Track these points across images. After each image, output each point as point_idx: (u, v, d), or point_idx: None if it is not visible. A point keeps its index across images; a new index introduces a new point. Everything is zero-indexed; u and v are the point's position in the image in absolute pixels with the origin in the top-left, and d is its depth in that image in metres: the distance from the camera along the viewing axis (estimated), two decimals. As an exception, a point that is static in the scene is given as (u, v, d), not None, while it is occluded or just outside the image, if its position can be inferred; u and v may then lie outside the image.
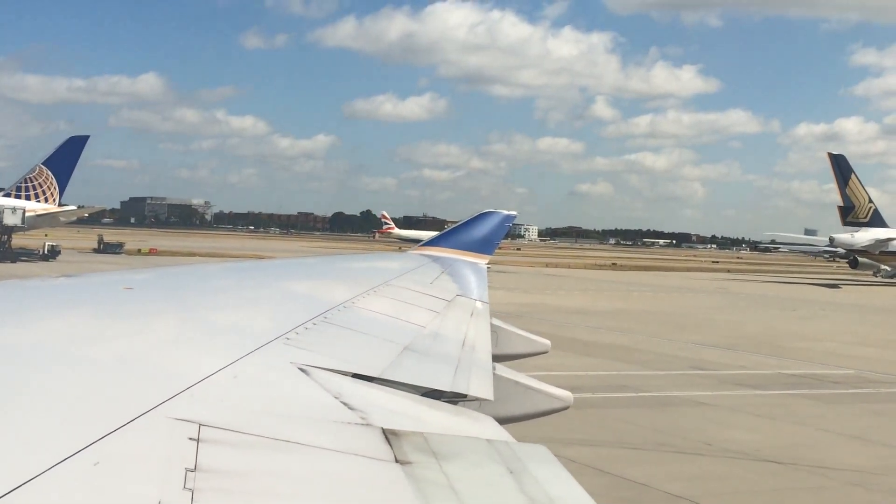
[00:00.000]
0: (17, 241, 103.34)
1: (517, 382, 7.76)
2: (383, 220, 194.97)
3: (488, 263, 18.35)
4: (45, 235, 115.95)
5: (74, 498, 2.29)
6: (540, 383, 8.18)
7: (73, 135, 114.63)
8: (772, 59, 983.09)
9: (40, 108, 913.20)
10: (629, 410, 28.37)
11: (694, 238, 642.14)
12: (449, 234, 20.27)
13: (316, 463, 3.18)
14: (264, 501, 2.69)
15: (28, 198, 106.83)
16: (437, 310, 9.37)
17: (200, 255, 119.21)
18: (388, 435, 3.67)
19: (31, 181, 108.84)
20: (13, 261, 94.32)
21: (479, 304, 11.39)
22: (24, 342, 4.53)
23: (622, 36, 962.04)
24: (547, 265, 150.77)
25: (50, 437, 2.75)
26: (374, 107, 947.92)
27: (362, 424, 3.80)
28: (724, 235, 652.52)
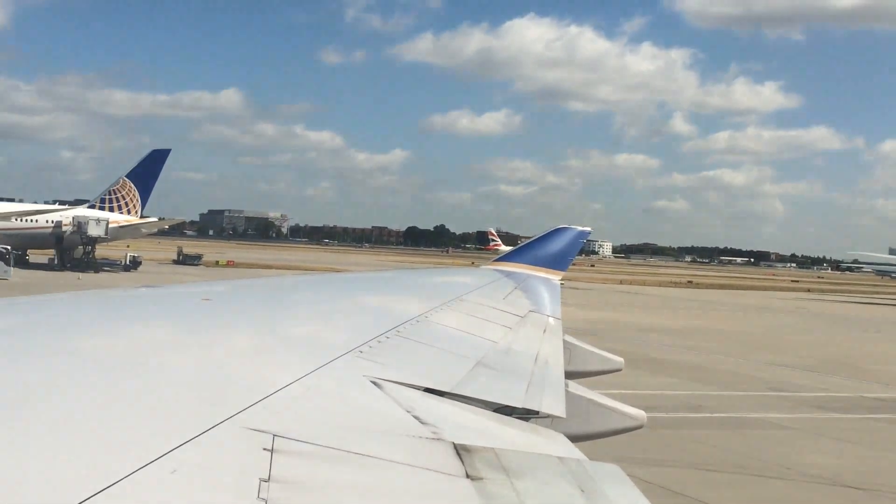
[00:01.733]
0: (101, 251, 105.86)
1: (590, 400, 7.70)
2: (490, 236, 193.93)
3: (562, 279, 18.25)
4: (128, 246, 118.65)
5: (154, 502, 2.33)
6: (613, 401, 8.11)
7: (155, 148, 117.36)
8: (856, 74, 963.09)
9: (125, 122, 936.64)
10: (704, 431, 27.90)
11: (773, 256, 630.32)
12: (522, 249, 20.22)
13: (387, 476, 3.20)
14: None
15: (111, 209, 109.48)
16: (510, 325, 9.35)
17: (276, 267, 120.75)
18: (460, 450, 3.67)
19: (115, 193, 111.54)
20: (96, 271, 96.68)
21: (551, 320, 11.33)
22: (107, 351, 4.64)
23: (702, 52, 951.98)
24: (621, 282, 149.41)
25: (130, 443, 2.81)
26: (449, 122, 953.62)
27: (434, 439, 3.80)
28: (805, 254, 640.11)
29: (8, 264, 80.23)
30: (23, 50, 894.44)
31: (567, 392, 6.65)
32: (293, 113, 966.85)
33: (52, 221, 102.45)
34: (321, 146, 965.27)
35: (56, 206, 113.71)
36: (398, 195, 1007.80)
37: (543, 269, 18.37)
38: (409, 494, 3.10)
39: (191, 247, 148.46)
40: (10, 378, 3.58)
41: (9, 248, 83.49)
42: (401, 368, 5.32)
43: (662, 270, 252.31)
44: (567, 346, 9.86)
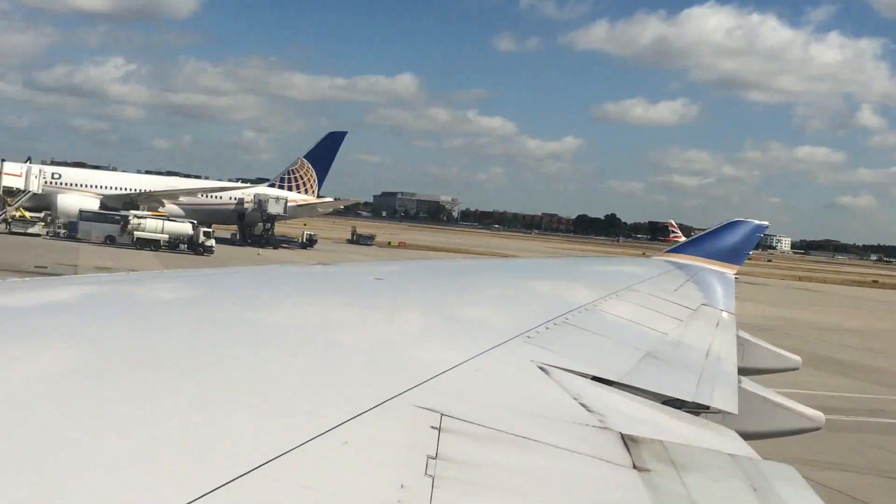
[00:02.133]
0: (279, 229, 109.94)
1: (764, 398, 7.43)
2: (671, 228, 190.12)
3: (736, 274, 17.71)
4: (304, 225, 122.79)
5: (325, 473, 2.40)
6: (788, 400, 7.80)
7: (332, 130, 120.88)
8: None
9: (304, 104, 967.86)
10: (887, 437, 26.54)
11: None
12: (696, 241, 19.73)
13: (552, 462, 3.18)
14: (500, 495, 2.72)
15: (290, 188, 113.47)
16: (681, 318, 9.15)
17: (446, 250, 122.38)
18: (627, 440, 3.61)
19: (294, 173, 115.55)
20: (275, 247, 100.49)
21: (724, 314, 11.02)
22: (285, 325, 4.81)
23: (894, 42, 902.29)
24: (800, 279, 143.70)
25: (305, 414, 2.90)
26: (623, 110, 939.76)
27: (600, 427, 3.76)
28: None
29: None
30: (211, 33, 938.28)
31: (740, 388, 6.45)
32: (466, 98, 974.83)
33: (235, 198, 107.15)
34: (493, 132, 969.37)
35: (238, 185, 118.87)
36: (569, 182, 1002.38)
37: (717, 262, 17.87)
38: (574, 481, 3.08)
39: (364, 227, 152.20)
40: (194, 347, 3.76)
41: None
42: (568, 355, 5.28)
43: (845, 268, 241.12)
44: (741, 342, 9.56)
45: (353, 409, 2.92)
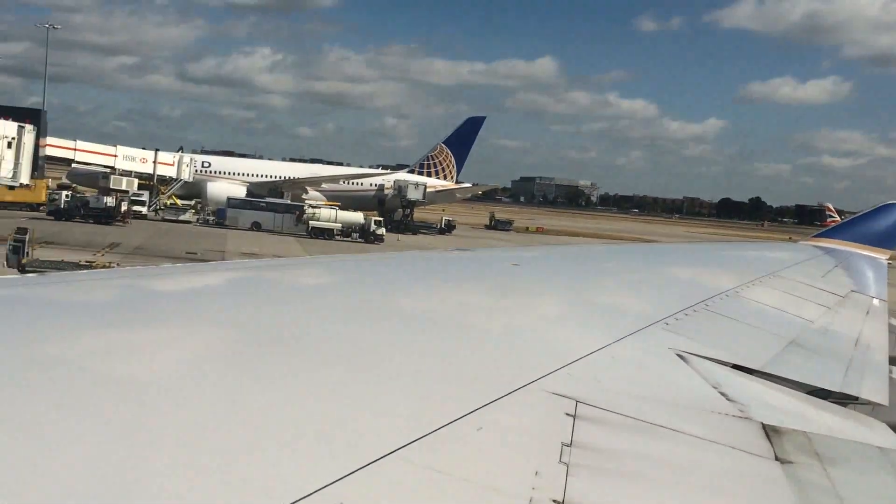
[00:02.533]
0: (418, 214, 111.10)
1: (917, 389, 7.11)
2: (828, 212, 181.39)
3: (890, 259, 16.96)
4: (443, 210, 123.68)
5: (458, 458, 2.43)
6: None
7: (471, 116, 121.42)
8: None
9: (444, 90, 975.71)
10: None
11: None
12: (846, 225, 18.99)
13: (689, 451, 3.13)
14: (636, 484, 2.69)
15: (429, 174, 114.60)
16: (829, 305, 8.84)
17: (584, 235, 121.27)
18: (769, 431, 3.52)
19: (433, 159, 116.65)
20: (414, 233, 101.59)
21: (876, 301, 10.58)
22: (422, 310, 4.88)
23: None
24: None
25: (440, 399, 2.94)
26: (769, 90, 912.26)
27: (741, 417, 3.67)
28: None
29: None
30: (353, 22, 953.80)
31: (891, 379, 6.19)
32: (607, 81, 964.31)
33: (376, 185, 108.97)
34: (634, 115, 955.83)
35: (379, 171, 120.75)
36: (711, 165, 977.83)
37: (868, 247, 17.15)
38: (713, 473, 3.02)
39: (502, 212, 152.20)
40: (334, 332, 3.86)
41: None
42: (708, 343, 5.18)
43: None
44: (893, 331, 9.17)
45: (488, 395, 2.95)
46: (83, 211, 76.51)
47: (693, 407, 3.72)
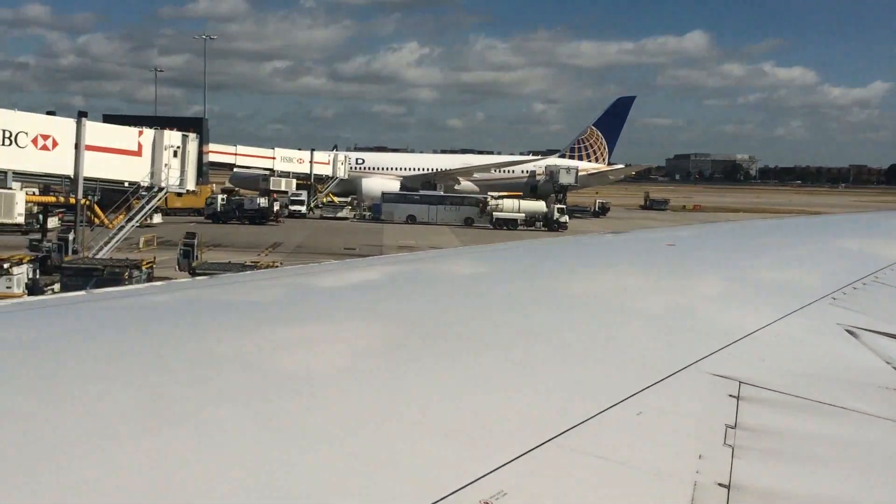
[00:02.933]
0: (571, 198, 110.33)
1: None
2: None
3: None
4: (596, 193, 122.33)
5: (619, 443, 2.42)
6: None
7: (620, 96, 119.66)
8: None
9: (592, 72, 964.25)
10: None
11: None
12: None
13: (862, 430, 3.01)
14: (807, 466, 2.62)
15: (580, 158, 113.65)
16: None
17: (744, 211, 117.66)
18: (948, 407, 3.35)
19: (583, 142, 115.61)
20: (569, 216, 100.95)
21: None
22: (578, 295, 4.87)
23: None
24: None
25: (598, 384, 2.94)
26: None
27: (917, 394, 3.51)
28: None
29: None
30: (498, 10, 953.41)
31: None
32: (761, 50, 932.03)
33: (527, 171, 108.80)
34: (791, 83, 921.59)
35: (530, 157, 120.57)
36: (879, 130, 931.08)
37: None
38: (888, 451, 2.90)
39: (657, 192, 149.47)
40: (490, 319, 3.90)
41: (490, 196, 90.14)
42: (880, 317, 4.96)
43: None
44: None
45: (648, 379, 2.92)
46: (238, 213, 79.85)
47: (865, 383, 3.58)
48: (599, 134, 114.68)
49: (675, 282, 5.64)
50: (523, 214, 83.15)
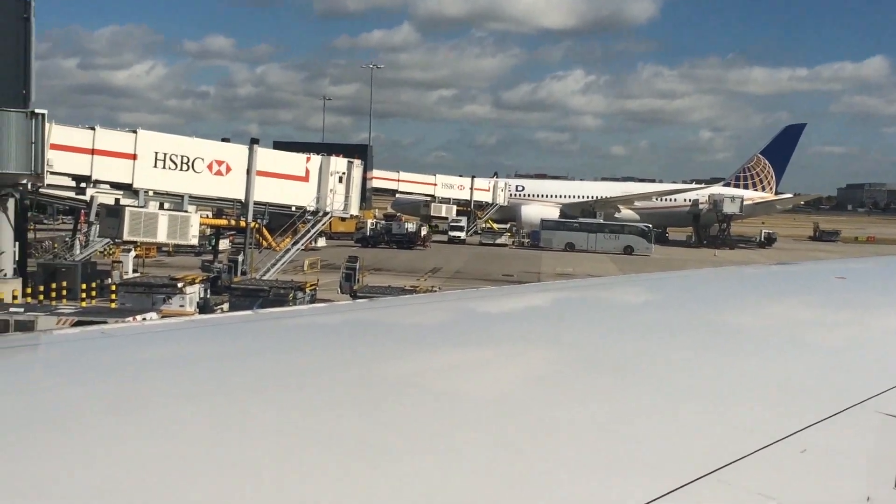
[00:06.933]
0: (736, 228, 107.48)
1: None
2: None
3: None
4: (762, 223, 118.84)
5: (781, 479, 2.34)
6: None
7: (790, 123, 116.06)
8: None
9: (762, 99, 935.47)
10: None
11: None
12: None
13: None
14: None
15: (745, 186, 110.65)
16: None
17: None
18: None
19: (749, 170, 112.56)
20: (731, 247, 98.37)
21: None
22: (743, 326, 4.74)
23: None
24: None
25: (761, 419, 2.85)
26: None
27: None
28: None
29: (649, 241, 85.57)
30: (667, 38, 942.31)
31: None
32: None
33: (689, 200, 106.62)
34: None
35: (693, 186, 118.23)
36: None
37: None
38: None
39: (827, 222, 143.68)
40: (648, 351, 3.85)
41: (650, 226, 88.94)
42: None
43: None
44: None
45: (814, 415, 2.82)
46: (387, 237, 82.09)
47: None
48: (767, 162, 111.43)
49: (845, 316, 5.42)
50: None
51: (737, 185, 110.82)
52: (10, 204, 38.85)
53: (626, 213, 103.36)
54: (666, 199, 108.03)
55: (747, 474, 2.28)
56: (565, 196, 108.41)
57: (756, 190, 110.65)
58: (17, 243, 39.47)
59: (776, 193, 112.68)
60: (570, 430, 2.56)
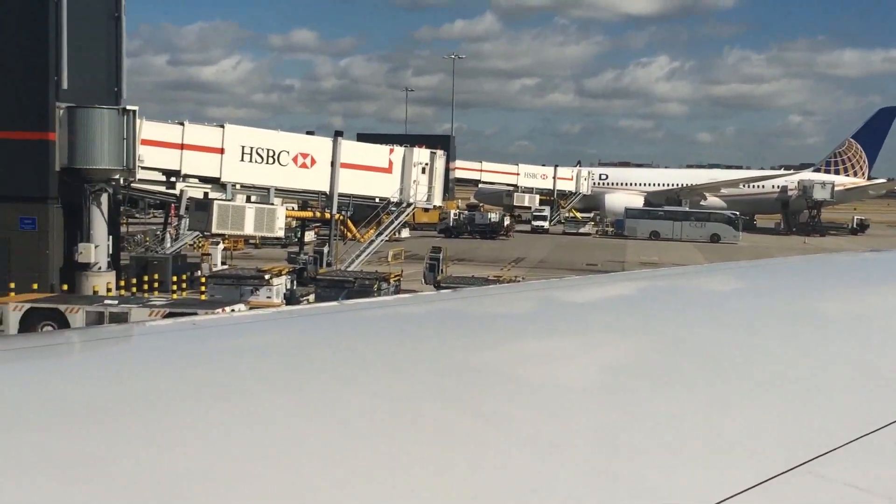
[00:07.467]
0: (826, 215, 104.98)
1: None
2: None
3: None
4: (854, 209, 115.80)
5: (877, 472, 2.28)
6: None
7: (883, 106, 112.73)
8: None
9: (854, 82, 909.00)
10: None
11: None
12: None
13: None
14: None
15: (836, 172, 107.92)
16: None
17: None
18: None
19: (840, 155, 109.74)
20: (822, 234, 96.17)
21: None
22: (827, 313, 4.64)
23: None
24: None
25: (856, 408, 2.78)
26: None
27: None
28: None
29: (737, 229, 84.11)
30: (754, 21, 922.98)
31: None
32: None
33: (778, 186, 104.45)
34: None
35: (781, 172, 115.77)
36: None
37: None
38: None
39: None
40: (734, 339, 3.79)
41: (737, 213, 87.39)
42: None
43: None
44: None
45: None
46: (469, 227, 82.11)
47: None
48: (859, 147, 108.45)
49: None
50: None
51: (827, 171, 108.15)
52: (104, 199, 39.94)
53: (712, 200, 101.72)
54: (753, 186, 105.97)
55: (841, 466, 2.24)
56: (649, 184, 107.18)
57: (848, 175, 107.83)
58: (110, 237, 40.54)
59: (869, 179, 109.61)
60: (664, 420, 2.54)
